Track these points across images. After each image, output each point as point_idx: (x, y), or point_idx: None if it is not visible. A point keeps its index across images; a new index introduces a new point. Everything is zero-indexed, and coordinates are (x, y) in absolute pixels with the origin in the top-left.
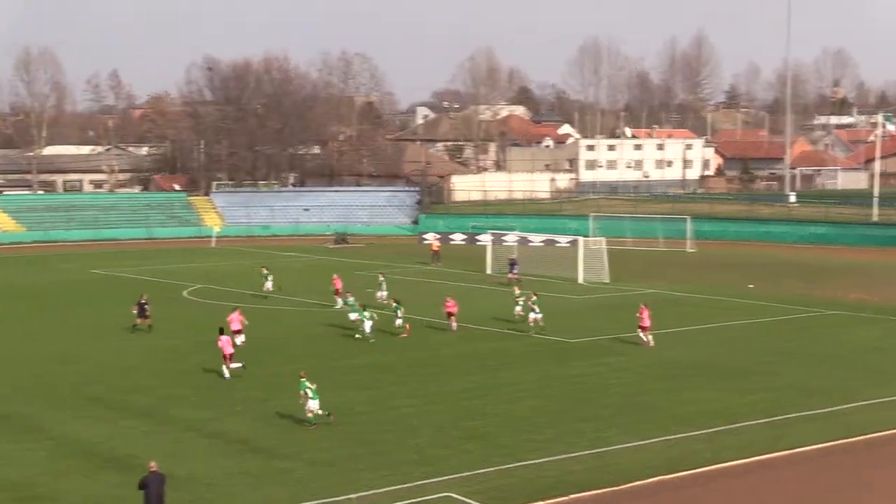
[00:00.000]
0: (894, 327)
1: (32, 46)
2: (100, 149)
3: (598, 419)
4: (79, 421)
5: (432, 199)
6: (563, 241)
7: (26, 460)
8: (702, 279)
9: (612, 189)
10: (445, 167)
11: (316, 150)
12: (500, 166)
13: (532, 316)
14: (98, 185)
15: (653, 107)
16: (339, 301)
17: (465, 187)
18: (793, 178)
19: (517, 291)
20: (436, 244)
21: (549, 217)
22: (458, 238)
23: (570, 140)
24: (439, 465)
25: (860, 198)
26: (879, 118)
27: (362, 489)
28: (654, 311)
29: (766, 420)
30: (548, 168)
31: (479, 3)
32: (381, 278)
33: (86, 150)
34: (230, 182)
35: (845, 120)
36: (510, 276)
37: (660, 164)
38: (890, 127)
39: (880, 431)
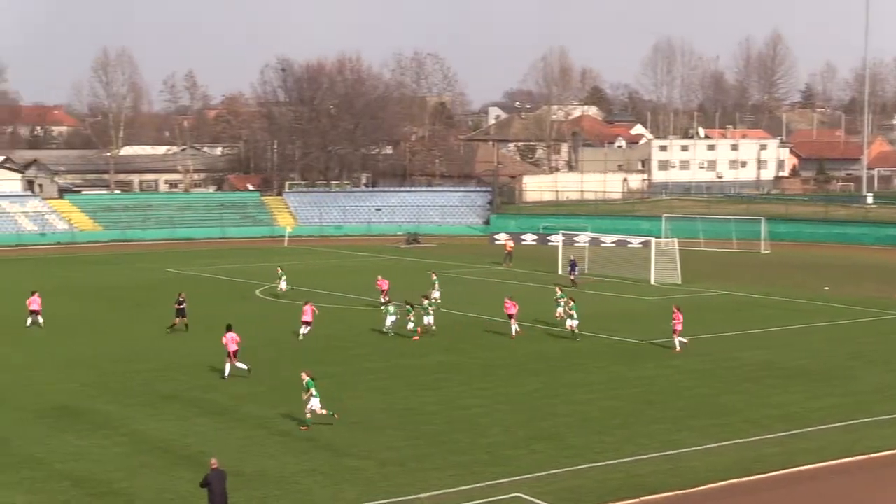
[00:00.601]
0: None
1: (110, 48)
2: (175, 149)
3: (669, 421)
4: (153, 418)
5: (504, 199)
6: (634, 241)
7: (101, 456)
8: (776, 281)
9: (685, 190)
10: (517, 167)
11: (388, 150)
12: (572, 167)
13: (569, 322)
14: (173, 184)
15: (727, 107)
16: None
17: (536, 187)
18: (870, 178)
19: (558, 293)
20: (509, 244)
21: (622, 218)
22: (529, 238)
23: (643, 140)
24: (509, 465)
25: None
26: None
27: (432, 489)
28: (726, 314)
29: (842, 424)
30: (620, 168)
31: (552, 3)
32: (434, 277)
33: (161, 150)
34: (303, 182)
35: None
36: (571, 276)
37: (733, 164)
38: None
39: None
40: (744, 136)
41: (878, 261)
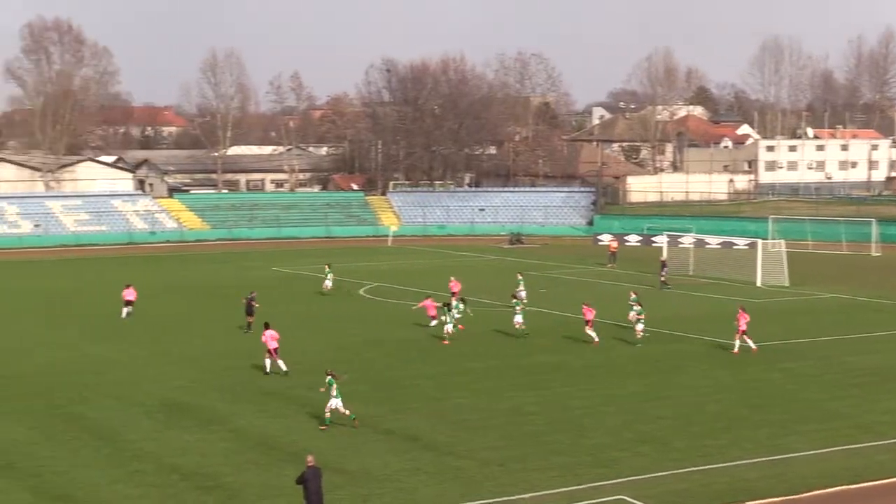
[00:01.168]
0: None
1: (219, 49)
2: (281, 149)
3: (776, 426)
4: (258, 415)
5: (607, 199)
6: (741, 243)
7: (208, 451)
8: (887, 284)
9: (793, 191)
10: (621, 168)
11: (492, 150)
12: (676, 167)
13: (639, 327)
14: (279, 184)
15: (836, 106)
16: (459, 304)
17: (640, 188)
18: None
19: (632, 296)
20: (613, 245)
21: (727, 219)
22: (633, 239)
23: (750, 141)
24: (612, 467)
25: None
26: None
27: (534, 489)
28: (835, 317)
29: None
30: (726, 169)
31: (656, 2)
32: (520, 277)
33: (268, 150)
34: (407, 182)
35: None
36: (660, 277)
37: (843, 165)
38: None
39: None
40: (854, 137)
41: None
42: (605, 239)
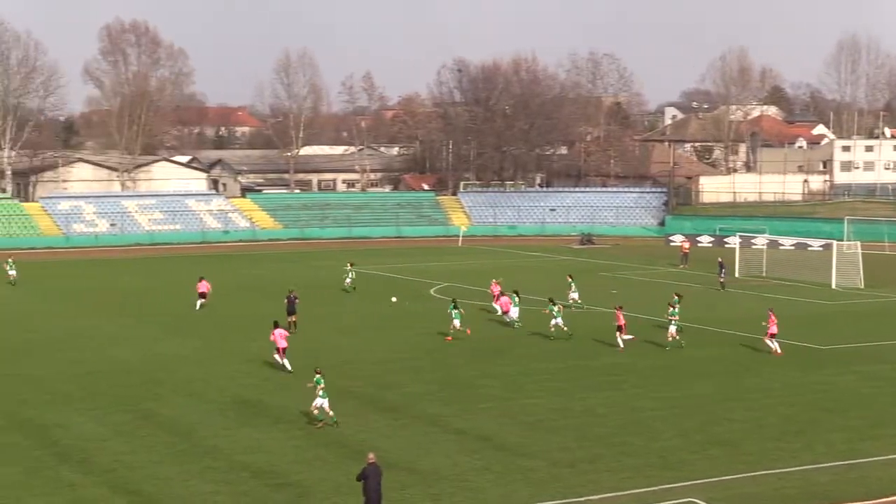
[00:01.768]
0: None
1: (292, 50)
2: (353, 149)
3: (851, 430)
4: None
5: (679, 200)
6: (815, 244)
7: (278, 448)
8: None
9: (869, 191)
10: (693, 168)
11: (563, 150)
12: (750, 167)
13: (672, 329)
14: (351, 184)
15: None
16: (498, 307)
17: (713, 188)
18: None
19: (675, 298)
20: (685, 246)
21: (801, 220)
22: (704, 240)
23: (825, 141)
24: (683, 469)
25: None
26: None
27: (603, 491)
28: None
29: None
30: (800, 169)
31: (731, 1)
32: (570, 279)
33: (339, 150)
34: (478, 182)
35: None
36: (719, 279)
37: None
38: None
39: None
40: None
41: None
42: (677, 240)
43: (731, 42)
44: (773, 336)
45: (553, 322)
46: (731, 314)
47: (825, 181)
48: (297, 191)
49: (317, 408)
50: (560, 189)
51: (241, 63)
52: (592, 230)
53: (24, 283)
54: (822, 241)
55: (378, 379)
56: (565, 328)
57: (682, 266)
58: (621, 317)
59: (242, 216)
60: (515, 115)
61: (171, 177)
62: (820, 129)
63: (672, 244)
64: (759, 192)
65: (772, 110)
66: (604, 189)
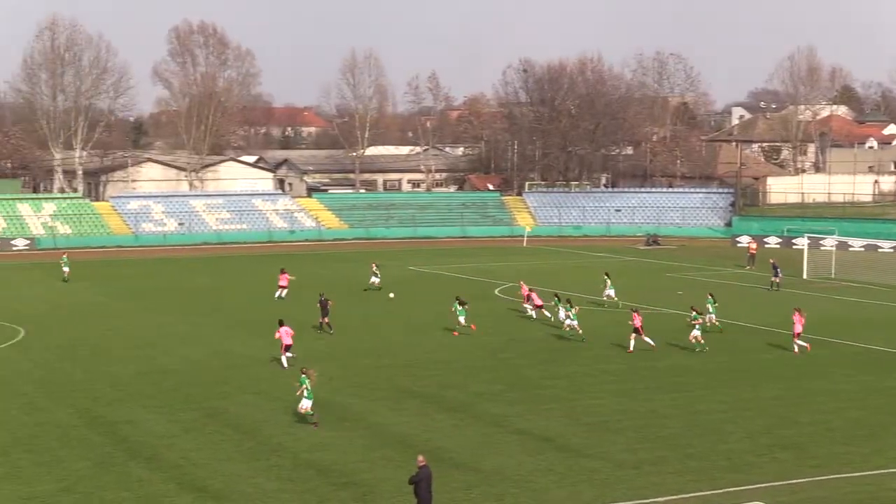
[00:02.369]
0: None
1: (358, 50)
2: (418, 149)
3: None
4: (394, 413)
5: (746, 201)
6: (885, 246)
7: (343, 447)
8: None
9: None
10: (761, 168)
11: (629, 150)
12: (818, 168)
13: (695, 333)
14: (416, 184)
15: None
16: (528, 307)
17: (781, 189)
18: None
19: (709, 297)
20: (752, 246)
21: (871, 221)
22: (772, 241)
23: None
24: (749, 472)
25: None
26: None
27: (668, 493)
28: None
29: None
30: (871, 170)
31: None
32: (606, 276)
33: (405, 150)
34: (543, 182)
35: None
36: (774, 279)
37: None
38: None
39: None
40: None
41: None
42: (744, 241)
43: (799, 41)
44: (798, 335)
45: (567, 322)
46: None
47: None
48: (363, 191)
49: (303, 409)
50: (626, 189)
51: (307, 64)
52: (658, 231)
53: (96, 281)
54: (893, 243)
55: (443, 378)
56: (580, 331)
57: (749, 267)
58: (638, 319)
59: (308, 216)
60: (581, 115)
61: (238, 177)
62: (891, 128)
63: (739, 245)
64: (828, 193)
65: (841, 110)
66: (670, 190)
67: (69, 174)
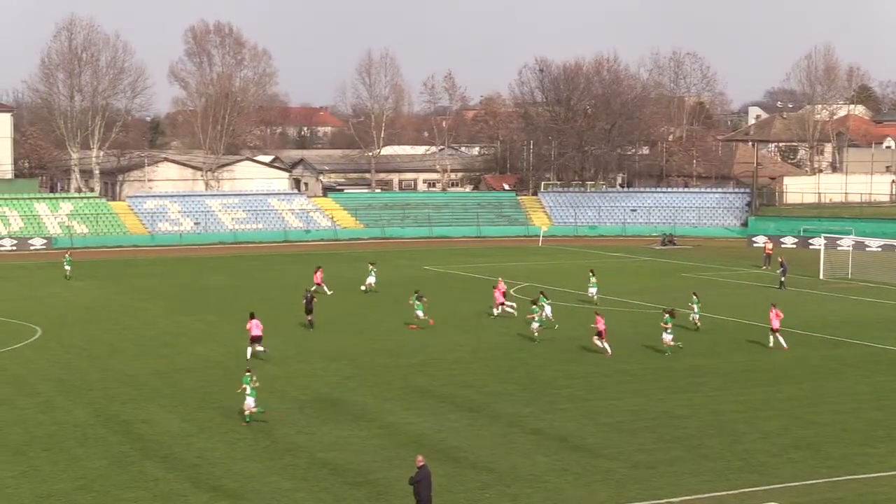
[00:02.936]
0: None
1: (374, 50)
2: (433, 149)
3: None
4: (409, 412)
5: (763, 201)
6: None
7: (359, 446)
8: None
9: None
10: (777, 168)
11: (645, 150)
12: (835, 168)
13: (667, 337)
14: (431, 184)
15: None
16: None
17: (797, 189)
18: None
19: (694, 297)
20: (768, 247)
21: (889, 221)
22: (788, 241)
23: None
24: (765, 472)
25: None
26: None
27: (683, 493)
28: None
29: None
30: (888, 170)
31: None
32: (591, 274)
33: (420, 150)
34: (558, 182)
35: None
36: (781, 278)
37: None
38: None
39: None
40: None
41: None
42: (760, 241)
43: (816, 41)
44: (775, 331)
45: (534, 325)
46: (816, 317)
47: None
48: (378, 190)
49: (247, 409)
50: (641, 189)
51: (323, 63)
52: (674, 231)
53: (113, 280)
54: None
55: (458, 378)
56: (536, 335)
57: (764, 267)
58: (601, 322)
59: (324, 215)
60: (597, 115)
61: (253, 176)
62: None
63: (755, 245)
64: (845, 193)
65: (859, 109)
66: (686, 189)
67: (86, 174)
